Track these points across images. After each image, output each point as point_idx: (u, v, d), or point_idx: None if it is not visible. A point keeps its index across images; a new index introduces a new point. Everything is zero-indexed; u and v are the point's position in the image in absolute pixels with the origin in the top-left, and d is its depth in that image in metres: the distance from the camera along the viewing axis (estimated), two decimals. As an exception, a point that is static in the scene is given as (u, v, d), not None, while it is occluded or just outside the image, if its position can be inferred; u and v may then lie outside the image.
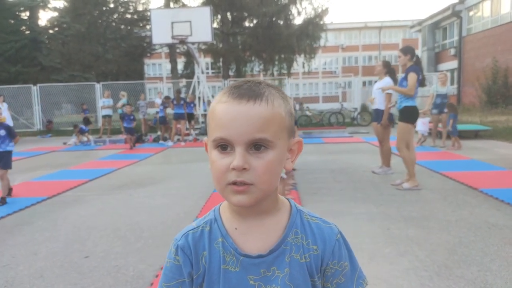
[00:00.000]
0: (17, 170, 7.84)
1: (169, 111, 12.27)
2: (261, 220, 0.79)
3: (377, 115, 6.28)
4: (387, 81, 6.07)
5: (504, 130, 10.86)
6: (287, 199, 0.85)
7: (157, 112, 13.56)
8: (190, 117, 12.99)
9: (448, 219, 3.95)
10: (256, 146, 0.71)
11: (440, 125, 9.20)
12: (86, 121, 14.24)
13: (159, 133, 13.02)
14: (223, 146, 0.73)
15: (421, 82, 5.26)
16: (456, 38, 22.31)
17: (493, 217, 3.96)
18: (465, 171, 6.07)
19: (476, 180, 5.49)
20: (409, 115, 5.25)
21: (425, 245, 3.31)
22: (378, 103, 6.22)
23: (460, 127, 9.81)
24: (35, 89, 17.19)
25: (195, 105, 13.52)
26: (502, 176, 5.86)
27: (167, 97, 13.16)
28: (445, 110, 8.87)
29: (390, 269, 2.89)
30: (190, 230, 0.83)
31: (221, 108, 0.73)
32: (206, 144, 0.81)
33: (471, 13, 21.12)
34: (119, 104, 13.52)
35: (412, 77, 5.09)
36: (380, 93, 6.12)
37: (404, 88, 5.22)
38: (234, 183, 0.71)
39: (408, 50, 5.36)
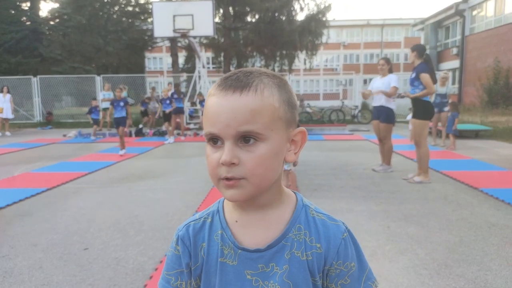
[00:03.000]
0: (17, 161, 7.84)
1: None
2: (262, 213, 0.77)
3: (378, 112, 6.22)
4: (391, 77, 6.05)
5: (505, 130, 10.85)
6: (295, 192, 0.82)
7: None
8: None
9: (449, 218, 3.95)
10: (246, 139, 0.68)
11: (439, 124, 9.20)
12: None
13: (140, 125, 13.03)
14: (214, 140, 0.71)
15: (432, 79, 5.29)
16: (458, 37, 22.26)
17: (493, 217, 3.96)
18: (465, 171, 6.06)
19: (477, 179, 5.49)
20: (424, 111, 5.35)
21: (425, 244, 3.31)
22: (378, 100, 6.17)
23: (461, 126, 9.80)
24: (35, 80, 17.13)
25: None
26: (502, 176, 5.86)
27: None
28: (445, 109, 8.86)
29: (390, 267, 2.89)
30: (192, 221, 0.83)
31: (210, 101, 0.72)
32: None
33: (474, 12, 21.05)
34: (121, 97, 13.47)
35: (425, 76, 5.19)
36: (384, 89, 6.05)
37: (422, 90, 5.28)
38: (224, 178, 0.70)
39: (416, 48, 5.42)
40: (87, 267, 2.96)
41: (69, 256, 3.18)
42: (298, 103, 0.80)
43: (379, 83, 6.19)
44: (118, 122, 8.53)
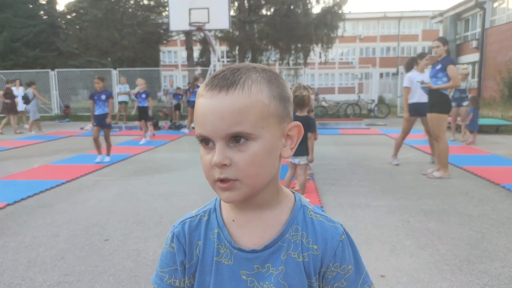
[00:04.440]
0: (37, 153, 7.99)
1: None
2: (259, 213, 0.75)
3: (420, 108, 5.95)
4: (408, 76, 5.97)
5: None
6: (293, 192, 0.80)
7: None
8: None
9: (470, 214, 3.88)
10: (236, 138, 0.66)
11: (459, 118, 9.03)
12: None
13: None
14: (206, 141, 0.69)
15: None
16: (478, 30, 21.72)
17: (516, 213, 3.87)
18: (486, 166, 5.94)
19: (498, 175, 5.37)
20: (443, 104, 5.28)
21: (446, 239, 3.26)
22: (419, 96, 5.97)
23: (481, 121, 9.60)
24: (53, 74, 17.39)
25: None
26: (525, 172, 5.72)
27: (178, 88, 13.21)
28: (465, 103, 8.69)
29: (410, 262, 2.86)
30: (188, 218, 0.81)
31: (198, 102, 0.70)
32: None
33: (495, 4, 20.50)
34: (135, 90, 13.59)
35: (453, 69, 5.12)
36: (420, 85, 5.85)
37: (445, 83, 5.19)
38: (218, 180, 0.68)
39: (446, 41, 5.36)
40: (108, 258, 3.00)
41: (90, 247, 3.23)
42: (291, 95, 0.76)
43: (419, 78, 5.93)
44: (140, 113, 9.43)
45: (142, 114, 9.49)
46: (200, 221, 0.80)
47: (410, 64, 6.34)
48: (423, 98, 5.91)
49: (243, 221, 0.76)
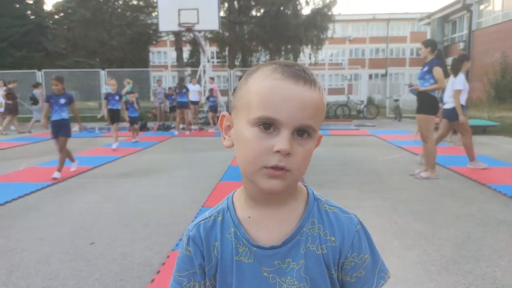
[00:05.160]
0: (22, 155, 7.87)
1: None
2: (276, 208, 0.75)
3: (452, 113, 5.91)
4: (461, 77, 5.82)
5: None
6: (305, 186, 0.81)
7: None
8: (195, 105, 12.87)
9: (456, 215, 3.92)
10: (300, 132, 0.68)
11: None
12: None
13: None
14: (267, 125, 0.67)
15: (445, 75, 5.24)
16: (465, 32, 22.03)
17: (502, 213, 3.92)
18: (472, 167, 6.00)
19: (484, 175, 5.44)
20: (430, 106, 5.31)
21: (433, 240, 3.28)
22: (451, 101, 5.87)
23: (468, 122, 9.70)
24: (40, 74, 17.16)
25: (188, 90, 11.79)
26: (510, 172, 5.80)
27: (170, 88, 13.13)
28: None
29: (398, 263, 2.87)
30: (202, 220, 0.80)
31: (272, 84, 0.67)
32: (224, 117, 0.76)
33: (481, 7, 20.82)
34: (123, 91, 13.47)
35: (438, 71, 5.13)
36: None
37: (432, 84, 5.21)
38: (273, 167, 0.66)
39: (429, 43, 5.34)
40: (94, 262, 2.96)
41: (76, 250, 3.18)
42: None
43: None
44: (132, 120, 9.36)
45: (115, 117, 8.66)
46: (214, 221, 0.79)
47: (458, 66, 6.03)
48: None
49: (259, 218, 0.76)
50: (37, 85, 13.19)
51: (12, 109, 12.18)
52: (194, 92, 12.01)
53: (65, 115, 5.80)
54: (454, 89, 5.83)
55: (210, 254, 0.77)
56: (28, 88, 17.24)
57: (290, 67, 0.70)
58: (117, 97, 8.59)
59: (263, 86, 0.68)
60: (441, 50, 5.46)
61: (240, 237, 0.76)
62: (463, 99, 5.92)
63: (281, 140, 0.65)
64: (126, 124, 12.52)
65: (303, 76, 0.68)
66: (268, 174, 0.67)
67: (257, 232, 0.76)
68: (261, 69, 0.71)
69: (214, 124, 12.54)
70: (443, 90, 7.78)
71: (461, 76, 5.92)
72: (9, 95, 12.15)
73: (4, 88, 12.74)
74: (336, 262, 0.75)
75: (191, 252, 0.78)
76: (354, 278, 0.76)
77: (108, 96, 8.75)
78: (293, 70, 0.69)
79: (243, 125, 0.69)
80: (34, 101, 12.69)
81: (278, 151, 0.65)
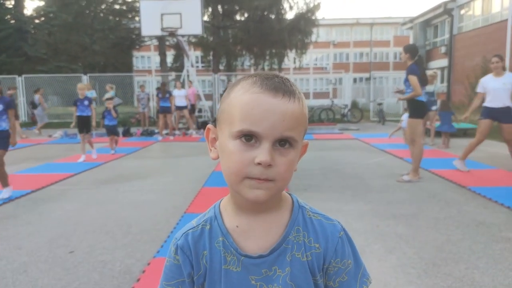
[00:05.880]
0: (1, 162, 7.68)
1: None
2: (263, 217, 0.77)
3: (502, 114, 5.68)
4: (510, 76, 5.70)
5: (493, 129, 10.96)
6: (290, 194, 0.83)
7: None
8: (192, 108, 12.83)
9: (437, 217, 3.98)
10: (281, 142, 0.69)
11: (428, 122, 9.27)
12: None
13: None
14: (248, 137, 0.69)
15: (422, 80, 5.32)
16: (447, 36, 22.47)
17: (480, 215, 3.99)
18: (453, 169, 6.11)
19: (465, 178, 5.54)
20: (416, 110, 5.42)
21: (413, 243, 3.32)
22: (501, 101, 5.64)
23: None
24: (20, 80, 16.84)
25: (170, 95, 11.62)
26: (490, 174, 5.93)
27: (158, 89, 13.07)
28: (433, 107, 8.95)
29: (378, 266, 2.89)
30: (190, 229, 0.81)
31: (253, 98, 0.69)
32: (209, 130, 0.78)
33: (462, 12, 21.27)
34: (108, 95, 13.31)
35: (412, 79, 5.23)
36: (506, 89, 5.62)
37: (410, 92, 5.36)
38: (256, 178, 0.69)
39: (408, 49, 5.43)
40: (73, 271, 2.90)
41: (54, 259, 3.12)
42: None
43: (499, 83, 5.64)
44: (110, 130, 8.57)
45: (84, 125, 7.72)
46: (202, 230, 0.79)
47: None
48: (500, 102, 5.66)
49: (247, 227, 0.77)
50: (37, 90, 13.83)
51: (41, 114, 13.04)
52: (180, 97, 11.90)
53: (4, 125, 4.82)
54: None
55: (199, 263, 0.78)
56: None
57: (270, 79, 0.71)
58: (86, 102, 7.70)
59: (243, 99, 0.70)
60: (422, 55, 5.50)
61: (228, 246, 0.77)
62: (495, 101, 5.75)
63: (262, 153, 0.67)
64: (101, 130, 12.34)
65: (282, 88, 0.70)
66: (251, 184, 0.69)
67: (245, 241, 0.77)
68: (241, 83, 0.73)
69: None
70: (425, 93, 7.92)
71: (482, 79, 5.98)
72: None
73: None
74: (320, 268, 0.78)
75: (179, 261, 0.79)
76: (337, 283, 0.79)
77: (76, 102, 7.76)
78: (272, 82, 0.70)
79: (226, 137, 0.71)
80: (33, 105, 13.51)
81: (259, 163, 0.67)
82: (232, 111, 0.70)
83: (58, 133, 12.46)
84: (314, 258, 0.77)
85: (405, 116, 9.60)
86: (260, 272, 0.76)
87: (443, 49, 22.58)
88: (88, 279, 2.78)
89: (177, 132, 12.48)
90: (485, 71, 17.71)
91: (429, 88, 8.77)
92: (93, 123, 8.01)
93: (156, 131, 12.34)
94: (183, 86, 13.66)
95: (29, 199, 4.99)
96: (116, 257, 3.13)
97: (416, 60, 5.34)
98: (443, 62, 22.58)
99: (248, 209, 0.77)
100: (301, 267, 0.76)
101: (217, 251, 0.77)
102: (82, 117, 7.70)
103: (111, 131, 8.59)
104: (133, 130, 13.12)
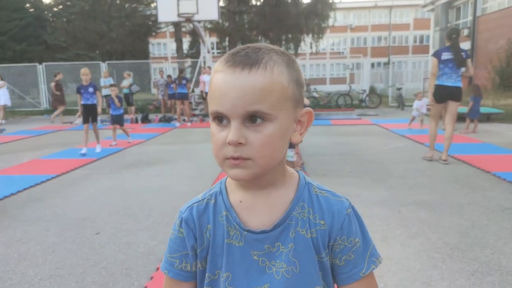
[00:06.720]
0: (26, 148, 7.89)
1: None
2: (266, 193, 0.76)
3: None
4: None
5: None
6: (297, 171, 0.81)
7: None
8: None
9: (461, 203, 3.91)
10: (253, 118, 0.66)
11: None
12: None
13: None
14: (220, 118, 0.68)
15: (457, 62, 5.42)
16: (470, 18, 21.78)
17: (506, 201, 3.91)
18: (477, 155, 5.99)
19: (489, 163, 5.42)
20: (434, 94, 5.59)
21: (437, 228, 3.28)
22: None
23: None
24: (40, 68, 17.12)
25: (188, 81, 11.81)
26: (514, 159, 5.78)
27: (169, 76, 13.06)
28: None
29: (401, 251, 2.87)
30: (195, 202, 0.81)
31: (216, 78, 0.69)
32: None
33: (486, -8, 20.55)
34: (126, 84, 13.42)
35: (431, 60, 5.55)
36: None
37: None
38: (230, 158, 0.68)
39: (446, 32, 5.74)
40: (100, 251, 2.98)
41: (81, 240, 3.21)
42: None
43: None
44: (115, 120, 7.94)
45: (90, 113, 7.10)
46: (207, 204, 0.79)
47: None
48: None
49: (250, 202, 0.76)
50: (56, 74, 13.49)
51: (60, 100, 13.07)
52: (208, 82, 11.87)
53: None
54: None
55: (202, 236, 0.78)
56: (30, 81, 17.24)
57: (234, 54, 0.69)
58: (90, 89, 7.04)
59: (212, 81, 0.70)
60: (455, 37, 5.52)
61: (231, 220, 0.76)
62: None
63: (230, 132, 0.66)
64: (129, 116, 12.50)
65: (243, 61, 0.67)
66: (229, 164, 0.69)
67: (248, 216, 0.76)
68: (217, 62, 0.72)
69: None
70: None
71: None
72: (57, 86, 12.97)
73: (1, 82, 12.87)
74: (326, 245, 0.76)
75: (183, 234, 0.79)
76: (343, 261, 0.77)
77: (80, 89, 7.07)
78: (235, 57, 0.68)
79: (210, 119, 0.72)
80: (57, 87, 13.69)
81: (229, 143, 0.67)
82: (209, 94, 0.71)
83: (78, 119, 12.66)
84: (319, 235, 0.75)
85: (415, 104, 9.45)
86: (263, 248, 0.75)
87: (465, 32, 21.88)
88: (115, 259, 2.85)
89: (194, 118, 12.55)
90: (510, 55, 17.19)
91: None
92: (99, 109, 7.37)
93: (174, 117, 12.42)
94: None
95: (54, 183, 5.11)
96: (140, 239, 3.19)
97: (451, 43, 5.47)
98: (466, 45, 21.89)
99: (249, 186, 0.76)
100: (304, 244, 0.75)
101: (221, 225, 0.77)
102: (87, 105, 7.05)
103: (115, 121, 8.02)
104: (151, 116, 13.24)
